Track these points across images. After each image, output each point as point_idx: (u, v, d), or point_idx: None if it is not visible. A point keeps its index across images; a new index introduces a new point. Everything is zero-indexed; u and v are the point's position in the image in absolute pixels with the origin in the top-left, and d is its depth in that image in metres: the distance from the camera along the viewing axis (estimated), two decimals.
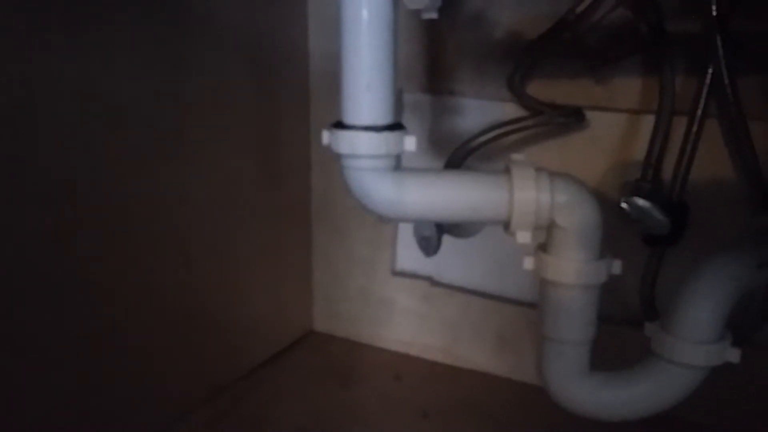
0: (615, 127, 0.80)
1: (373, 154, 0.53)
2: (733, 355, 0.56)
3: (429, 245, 0.76)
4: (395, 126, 0.55)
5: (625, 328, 0.81)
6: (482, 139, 0.77)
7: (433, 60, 0.89)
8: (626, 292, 0.80)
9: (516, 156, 0.58)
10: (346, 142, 0.54)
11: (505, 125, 0.78)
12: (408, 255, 0.96)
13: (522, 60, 0.80)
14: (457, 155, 0.78)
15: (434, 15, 0.53)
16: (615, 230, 0.63)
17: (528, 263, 0.58)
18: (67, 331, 0.66)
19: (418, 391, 0.90)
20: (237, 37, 0.83)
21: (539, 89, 0.82)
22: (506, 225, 0.56)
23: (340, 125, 0.55)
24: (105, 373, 0.70)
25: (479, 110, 0.88)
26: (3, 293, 0.59)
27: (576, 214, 0.55)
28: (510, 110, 0.84)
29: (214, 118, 0.81)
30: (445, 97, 0.90)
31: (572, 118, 0.78)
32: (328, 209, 1.00)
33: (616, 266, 0.57)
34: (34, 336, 0.62)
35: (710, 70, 0.69)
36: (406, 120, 0.91)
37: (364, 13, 0.51)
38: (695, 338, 0.56)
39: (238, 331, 0.91)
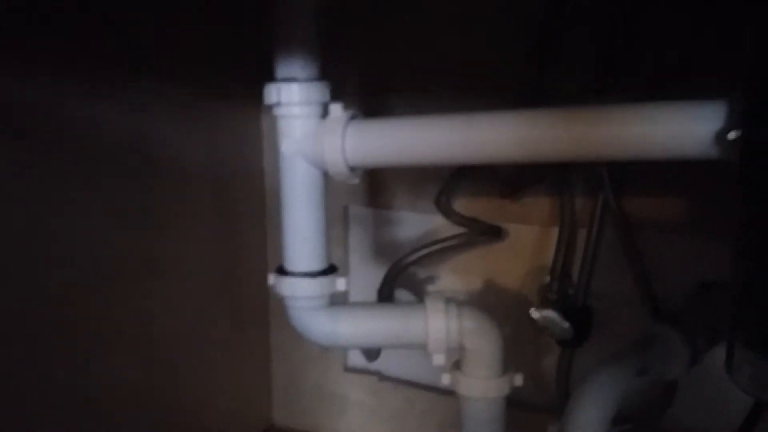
0: (530, 238, 0.92)
1: (309, 296, 0.64)
2: None
3: (370, 353, 0.87)
4: (329, 270, 0.66)
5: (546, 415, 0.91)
6: (414, 257, 0.89)
7: (375, 179, 1.02)
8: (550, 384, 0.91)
9: (431, 288, 0.69)
10: (288, 287, 0.65)
11: (434, 244, 0.90)
12: (358, 353, 1.06)
13: (448, 183, 0.92)
14: (394, 270, 0.90)
15: (356, 181, 0.65)
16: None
17: (445, 379, 0.69)
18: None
19: None
20: (199, 164, 0.93)
21: (465, 205, 0.93)
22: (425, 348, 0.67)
23: (282, 271, 0.66)
24: None
25: (414, 222, 0.99)
26: None
27: (480, 338, 0.66)
28: (440, 221, 0.96)
29: (179, 234, 0.90)
30: (385, 211, 1.02)
31: (491, 235, 0.90)
32: (285, 310, 1.10)
33: (518, 379, 0.68)
34: None
35: (600, 195, 0.82)
36: (352, 230, 1.04)
37: (300, 183, 0.63)
38: None
39: (202, 428, 0.99)
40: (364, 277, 1.00)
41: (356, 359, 1.07)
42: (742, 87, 0.49)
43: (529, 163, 0.62)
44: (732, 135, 0.49)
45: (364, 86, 0.96)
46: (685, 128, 0.51)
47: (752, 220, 0.49)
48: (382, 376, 1.06)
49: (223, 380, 1.03)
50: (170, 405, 0.92)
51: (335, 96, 0.64)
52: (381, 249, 1.02)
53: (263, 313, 1.10)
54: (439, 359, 0.65)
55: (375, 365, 1.05)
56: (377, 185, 1.01)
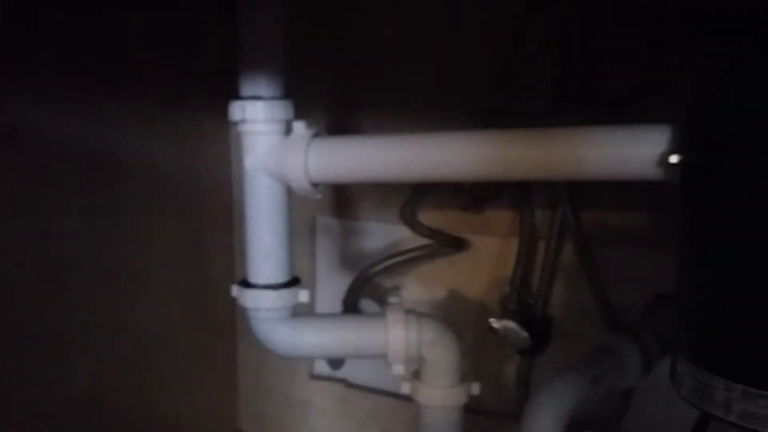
0: (492, 249, 0.94)
1: (271, 307, 0.66)
2: None
3: (335, 362, 0.88)
4: (292, 282, 0.68)
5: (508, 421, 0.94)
6: (379, 267, 0.91)
7: (343, 191, 1.03)
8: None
9: (393, 299, 0.71)
10: (251, 299, 0.66)
11: (398, 255, 0.92)
12: (324, 361, 1.08)
13: (412, 195, 0.94)
14: (359, 281, 0.92)
15: (319, 196, 0.66)
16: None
17: (405, 388, 0.71)
18: None
19: None
20: (167, 175, 0.94)
21: (429, 217, 0.95)
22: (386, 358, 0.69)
23: (245, 283, 0.67)
24: None
25: (381, 233, 1.01)
26: None
27: (439, 349, 0.68)
28: (406, 233, 0.97)
29: (147, 243, 0.91)
30: (352, 222, 1.04)
31: (454, 246, 0.92)
32: (247, 321, 1.11)
33: (475, 388, 0.70)
34: None
35: (559, 209, 0.84)
36: (320, 241, 1.05)
37: (263, 198, 0.65)
38: None
39: None
40: (331, 287, 1.02)
41: (322, 367, 1.09)
42: (683, 113, 0.52)
43: (486, 181, 0.64)
44: (673, 158, 0.51)
45: (332, 106, 0.98)
46: (631, 151, 0.54)
47: (691, 239, 0.52)
48: (348, 384, 1.07)
49: (190, 388, 1.03)
50: (136, 413, 0.93)
51: (303, 115, 0.66)
52: (348, 259, 1.04)
53: (231, 322, 1.11)
54: (398, 369, 0.67)
55: (341, 373, 1.07)
56: (345, 197, 1.03)
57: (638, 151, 0.53)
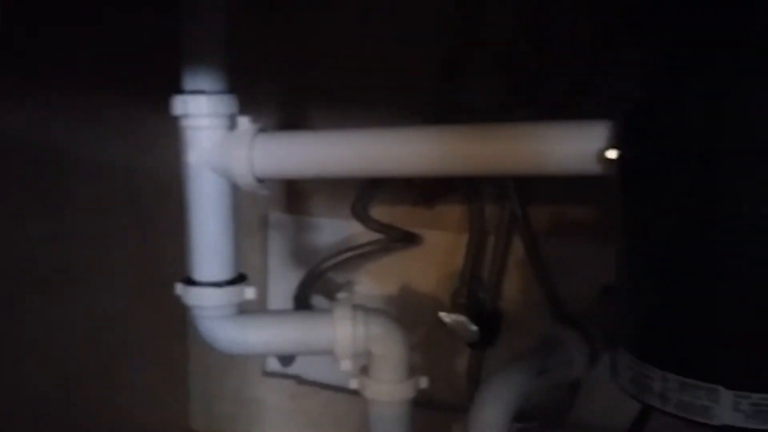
0: (444, 244, 0.95)
1: (216, 305, 0.65)
2: None
3: (285, 358, 0.88)
4: (237, 279, 0.67)
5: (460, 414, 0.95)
6: (330, 263, 0.90)
7: (295, 187, 1.03)
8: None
9: (341, 295, 0.71)
10: (194, 297, 0.65)
11: (350, 251, 0.92)
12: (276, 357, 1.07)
13: (363, 191, 0.94)
14: (310, 277, 0.91)
15: (265, 192, 0.65)
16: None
17: (353, 383, 0.71)
18: None
19: None
20: (114, 170, 0.92)
21: (381, 212, 0.95)
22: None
23: (189, 281, 0.66)
24: None
25: (333, 227, 1.01)
26: None
27: (386, 344, 0.68)
28: (358, 228, 0.97)
29: (94, 240, 0.89)
30: (305, 217, 1.03)
31: (406, 241, 0.93)
32: (192, 320, 1.10)
33: (423, 381, 0.71)
34: None
35: (507, 204, 0.85)
36: (272, 237, 1.05)
37: (207, 193, 0.64)
38: None
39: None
40: (284, 283, 1.01)
41: (275, 364, 1.08)
42: (621, 109, 0.53)
43: (430, 177, 0.65)
44: (611, 154, 0.52)
45: (285, 104, 0.98)
46: (570, 147, 0.55)
47: (627, 232, 0.53)
48: (300, 380, 1.07)
49: (140, 386, 1.02)
50: (86, 413, 0.91)
51: (255, 113, 0.65)
52: (301, 255, 1.03)
53: (181, 319, 1.09)
54: (345, 365, 0.67)
55: (293, 369, 1.06)
56: (297, 193, 1.02)
57: (578, 146, 0.54)
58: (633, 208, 0.52)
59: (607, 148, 0.52)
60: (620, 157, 0.52)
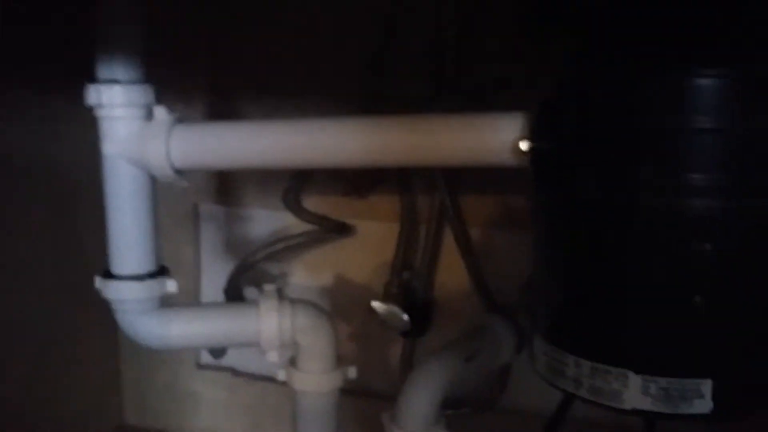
0: (377, 234, 0.95)
1: (136, 299, 0.64)
2: None
3: (215, 351, 0.87)
4: (158, 272, 0.66)
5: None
6: (261, 255, 0.90)
7: (225, 177, 1.01)
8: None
9: (268, 287, 0.70)
10: (114, 290, 0.64)
11: (281, 242, 0.91)
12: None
13: (294, 181, 0.93)
14: (241, 268, 0.90)
15: (185, 183, 0.64)
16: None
17: (281, 375, 0.71)
18: None
19: None
20: (31, 162, 0.90)
21: (314, 203, 0.94)
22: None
23: (109, 274, 0.65)
24: None
25: (266, 219, 1.00)
26: None
27: (313, 335, 0.68)
28: (291, 219, 0.97)
29: (12, 232, 0.87)
30: (236, 208, 1.02)
31: (339, 231, 0.93)
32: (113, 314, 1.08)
33: (352, 372, 0.71)
34: None
35: (436, 195, 0.86)
36: (203, 229, 1.03)
37: (124, 185, 0.62)
38: (412, 428, 0.70)
39: (51, 429, 0.97)
40: (216, 276, 1.00)
41: (209, 356, 1.07)
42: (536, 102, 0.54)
43: (347, 168, 0.65)
44: (524, 145, 0.53)
45: (211, 96, 0.97)
46: (486, 138, 0.55)
47: (539, 222, 0.54)
48: (235, 372, 1.06)
49: (71, 380, 1.00)
50: (14, 409, 0.89)
51: (182, 105, 0.64)
52: (233, 247, 1.02)
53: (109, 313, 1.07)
54: (272, 356, 0.67)
55: (227, 361, 1.05)
56: (227, 183, 1.01)
57: (493, 138, 0.55)
58: (543, 198, 0.53)
59: (520, 139, 0.53)
60: (532, 149, 0.53)
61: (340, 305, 0.95)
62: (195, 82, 0.95)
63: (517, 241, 0.85)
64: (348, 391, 0.77)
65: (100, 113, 0.62)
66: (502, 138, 0.54)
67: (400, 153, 0.57)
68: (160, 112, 0.61)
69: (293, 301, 0.69)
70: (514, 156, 0.54)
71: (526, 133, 0.53)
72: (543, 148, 0.52)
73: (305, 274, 0.99)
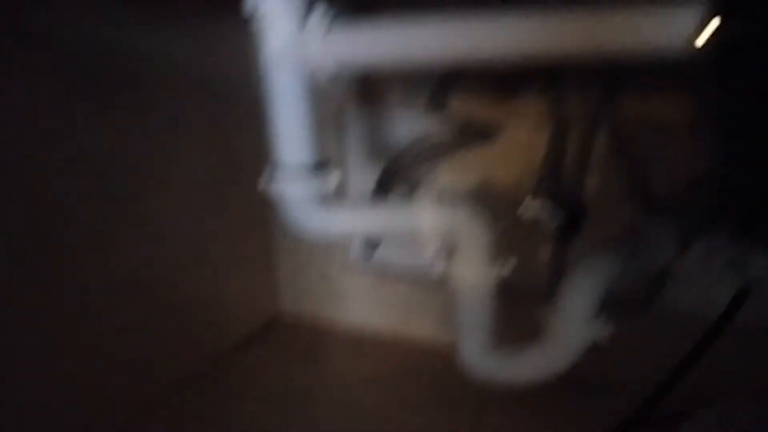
0: (524, 136, 0.92)
1: (302, 192, 0.66)
2: (601, 333, 0.71)
3: (367, 249, 0.89)
4: (321, 165, 0.67)
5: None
6: (409, 154, 0.90)
7: (370, 81, 1.01)
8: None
9: (424, 184, 0.70)
10: (281, 185, 0.66)
11: (429, 142, 0.90)
12: (358, 246, 1.10)
13: (442, 83, 0.91)
14: (390, 166, 0.91)
15: (342, 82, 0.65)
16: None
17: (438, 268, 0.72)
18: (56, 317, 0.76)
19: (374, 362, 1.05)
20: (193, 71, 0.93)
21: (459, 105, 0.93)
22: None
23: (275, 170, 0.67)
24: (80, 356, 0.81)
25: (409, 120, 0.99)
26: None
27: (471, 230, 0.68)
28: (435, 120, 0.95)
29: (177, 140, 0.92)
30: (380, 111, 1.02)
31: (484, 134, 0.90)
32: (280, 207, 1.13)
33: (507, 267, 0.71)
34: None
35: (592, 96, 0.82)
36: (349, 130, 1.04)
37: (287, 85, 0.64)
38: (572, 320, 0.70)
39: (214, 316, 1.06)
40: (361, 175, 1.02)
41: (357, 254, 1.11)
42: None
43: (519, 60, 0.62)
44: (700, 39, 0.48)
45: None
46: (661, 30, 0.51)
47: (722, 115, 0.50)
48: (382, 270, 1.10)
49: (229, 272, 1.07)
50: (179, 298, 0.97)
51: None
52: (377, 148, 1.03)
53: (267, 209, 1.12)
54: (430, 251, 0.68)
55: (377, 259, 1.09)
56: (373, 87, 1.01)
57: (667, 29, 0.50)
58: (730, 90, 0.48)
59: (698, 32, 0.48)
60: (712, 40, 0.48)
61: (486, 207, 0.94)
62: None
63: (679, 143, 0.81)
64: (497, 289, 0.78)
65: (261, 18, 0.62)
66: (678, 30, 0.49)
67: (575, 43, 0.54)
68: (318, 12, 0.61)
69: (450, 197, 0.69)
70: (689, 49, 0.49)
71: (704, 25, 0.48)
72: (727, 39, 0.46)
73: (450, 176, 0.98)
